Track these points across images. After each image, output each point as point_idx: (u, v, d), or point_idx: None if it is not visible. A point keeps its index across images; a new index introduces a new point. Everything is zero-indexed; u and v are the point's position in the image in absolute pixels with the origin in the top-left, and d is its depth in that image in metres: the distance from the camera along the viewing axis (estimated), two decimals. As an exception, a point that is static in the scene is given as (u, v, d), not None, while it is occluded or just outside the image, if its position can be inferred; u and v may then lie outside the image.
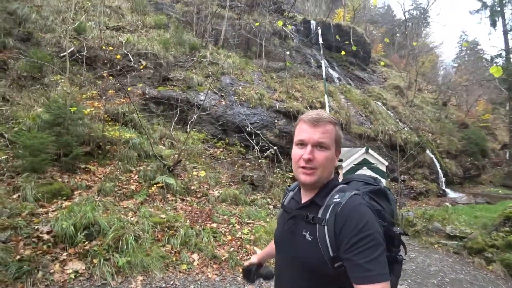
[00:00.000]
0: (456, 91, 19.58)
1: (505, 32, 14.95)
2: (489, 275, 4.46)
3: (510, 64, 13.04)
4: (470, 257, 4.99)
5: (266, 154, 8.11)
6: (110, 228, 3.67)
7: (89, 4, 10.10)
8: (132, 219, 4.25)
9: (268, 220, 5.68)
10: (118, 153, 5.43)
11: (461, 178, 13.49)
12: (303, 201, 1.12)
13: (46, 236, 3.38)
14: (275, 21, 14.94)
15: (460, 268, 4.65)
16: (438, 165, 12.53)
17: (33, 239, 3.33)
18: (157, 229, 4.28)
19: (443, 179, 12.39)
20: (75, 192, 4.48)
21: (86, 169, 4.94)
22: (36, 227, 3.48)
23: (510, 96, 13.41)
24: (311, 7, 22.05)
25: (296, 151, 1.06)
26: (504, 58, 13.64)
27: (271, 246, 1.44)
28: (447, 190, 11.98)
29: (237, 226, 5.18)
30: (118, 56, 7.79)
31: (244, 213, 5.74)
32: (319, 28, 11.85)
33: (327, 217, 0.97)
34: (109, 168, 5.16)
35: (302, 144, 1.05)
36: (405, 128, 12.70)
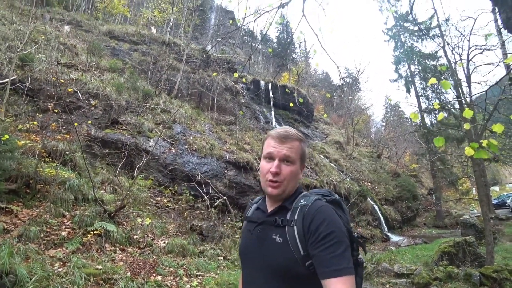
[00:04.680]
0: (387, 145, 22.46)
1: (417, 97, 18.42)
2: (436, 308, 4.61)
3: (424, 122, 15.78)
4: (418, 292, 5.15)
5: (216, 203, 7.88)
6: (31, 279, 3.01)
7: (43, 37, 9.68)
8: (60, 270, 3.56)
9: (218, 272, 5.32)
10: (51, 194, 4.74)
11: (400, 222, 14.56)
12: (269, 209, 1.14)
13: None
14: (227, 78, 16.06)
15: (411, 304, 4.74)
16: (379, 212, 13.44)
17: None
18: (91, 281, 3.64)
19: (385, 225, 13.20)
20: (-13, 237, 3.67)
21: (7, 209, 4.15)
22: None
23: (429, 148, 15.81)
24: (260, 69, 24.48)
25: (264, 165, 1.10)
26: (420, 117, 16.44)
27: None
28: (390, 235, 12.71)
29: (185, 279, 4.74)
30: (70, 89, 7.36)
31: (192, 264, 5.33)
32: (269, 83, 13.00)
33: (295, 218, 1.02)
34: (37, 210, 4.42)
35: (270, 157, 1.09)
36: (347, 179, 13.71)
